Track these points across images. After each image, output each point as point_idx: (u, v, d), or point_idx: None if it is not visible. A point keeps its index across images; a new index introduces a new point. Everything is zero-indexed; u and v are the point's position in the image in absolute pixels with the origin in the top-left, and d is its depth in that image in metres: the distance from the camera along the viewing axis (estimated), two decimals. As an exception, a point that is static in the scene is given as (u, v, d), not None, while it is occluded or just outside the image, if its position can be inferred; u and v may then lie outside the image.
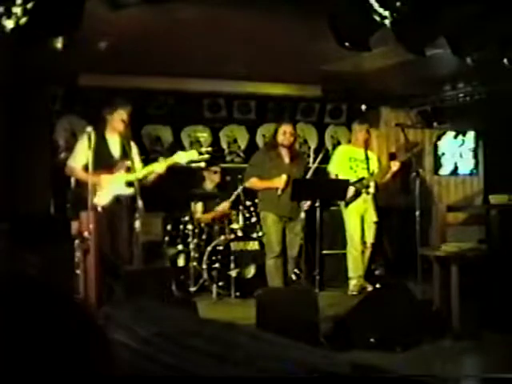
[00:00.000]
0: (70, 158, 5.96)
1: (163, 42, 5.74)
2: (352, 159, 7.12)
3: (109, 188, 5.71)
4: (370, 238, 6.97)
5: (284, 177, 6.21)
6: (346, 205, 6.92)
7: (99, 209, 5.55)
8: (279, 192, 6.20)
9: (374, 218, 7.01)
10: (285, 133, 6.34)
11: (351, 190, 6.86)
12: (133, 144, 6.00)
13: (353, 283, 6.84)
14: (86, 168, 5.55)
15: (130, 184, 5.70)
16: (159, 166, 5.81)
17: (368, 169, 7.09)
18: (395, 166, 6.92)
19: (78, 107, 7.60)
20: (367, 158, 7.14)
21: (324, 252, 7.09)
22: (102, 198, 5.65)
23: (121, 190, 5.76)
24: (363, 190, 6.94)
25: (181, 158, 5.85)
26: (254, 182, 6.41)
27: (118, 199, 5.77)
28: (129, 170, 5.77)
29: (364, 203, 6.96)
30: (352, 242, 6.93)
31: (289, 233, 6.36)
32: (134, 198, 5.61)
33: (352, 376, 0.85)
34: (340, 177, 6.95)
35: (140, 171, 5.81)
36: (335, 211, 7.27)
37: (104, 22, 4.77)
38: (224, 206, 7.09)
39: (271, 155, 6.41)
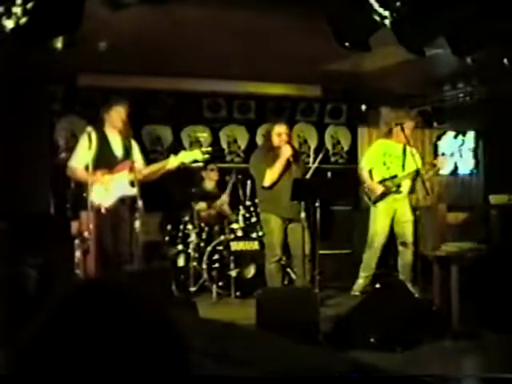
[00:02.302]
0: (71, 159, 5.80)
1: (163, 42, 5.74)
2: (387, 154, 6.62)
3: (113, 189, 5.63)
4: (408, 237, 6.50)
5: (288, 146, 5.97)
6: (374, 203, 6.58)
7: (103, 210, 5.50)
8: (291, 159, 5.94)
9: (410, 217, 6.53)
10: (279, 134, 6.05)
11: (380, 189, 6.53)
12: (134, 143, 5.91)
13: (359, 282, 6.70)
14: (87, 168, 5.51)
15: (133, 184, 5.56)
16: (171, 163, 5.76)
17: (403, 166, 6.58)
18: (441, 163, 6.54)
19: (78, 107, 7.60)
20: (405, 155, 6.57)
21: (324, 252, 7.07)
22: (106, 199, 5.58)
23: (125, 191, 5.68)
24: (393, 189, 6.52)
25: (186, 157, 5.81)
26: (271, 175, 6.01)
27: (121, 200, 5.69)
28: (132, 169, 5.65)
29: (394, 202, 6.54)
30: (372, 242, 6.62)
31: (291, 234, 6.25)
32: (134, 198, 5.57)
33: (352, 376, 0.85)
34: (373, 172, 6.55)
35: (148, 168, 5.78)
36: (337, 211, 7.24)
37: (104, 22, 4.78)
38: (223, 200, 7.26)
39: (269, 157, 6.11)
